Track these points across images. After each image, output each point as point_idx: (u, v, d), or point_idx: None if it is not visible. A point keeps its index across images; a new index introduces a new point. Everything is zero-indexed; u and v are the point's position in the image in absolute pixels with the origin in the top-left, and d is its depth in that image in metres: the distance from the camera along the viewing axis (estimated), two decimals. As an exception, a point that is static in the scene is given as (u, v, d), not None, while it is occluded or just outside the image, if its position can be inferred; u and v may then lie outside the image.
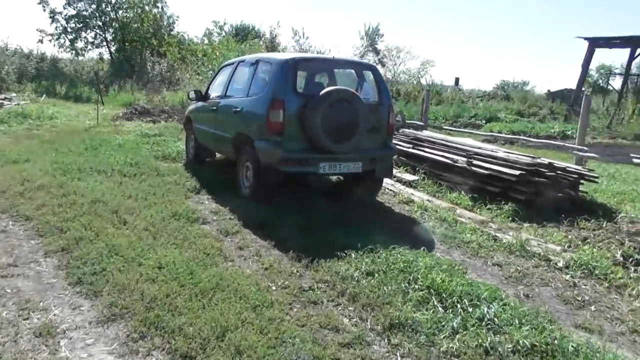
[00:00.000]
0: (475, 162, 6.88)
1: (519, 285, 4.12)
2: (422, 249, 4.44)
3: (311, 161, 5.55)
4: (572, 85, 39.94)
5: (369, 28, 35.04)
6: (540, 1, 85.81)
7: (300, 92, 5.50)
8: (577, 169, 6.57)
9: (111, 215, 4.85)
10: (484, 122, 22.22)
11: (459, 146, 7.61)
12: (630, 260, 4.49)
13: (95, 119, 12.16)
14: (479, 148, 7.40)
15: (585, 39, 21.65)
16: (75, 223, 4.54)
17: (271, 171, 5.52)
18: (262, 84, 5.89)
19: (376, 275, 3.85)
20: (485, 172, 6.56)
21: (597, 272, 4.31)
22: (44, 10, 24.61)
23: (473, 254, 4.76)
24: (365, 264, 4.03)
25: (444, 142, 7.99)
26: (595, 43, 21.61)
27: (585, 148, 7.23)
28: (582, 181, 6.64)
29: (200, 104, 7.56)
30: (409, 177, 7.43)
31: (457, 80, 30.93)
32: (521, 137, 10.67)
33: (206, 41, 30.60)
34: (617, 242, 4.98)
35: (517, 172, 6.19)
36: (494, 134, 13.40)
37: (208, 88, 7.57)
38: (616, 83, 34.32)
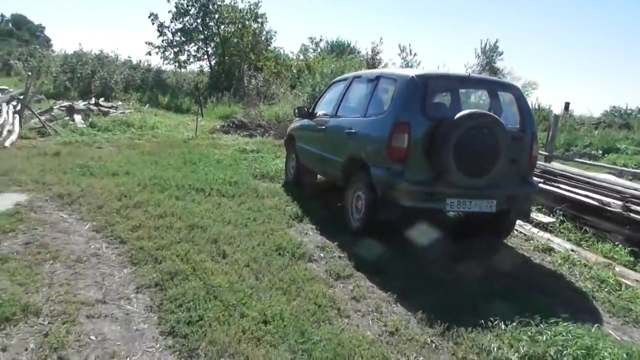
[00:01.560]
0: (633, 207, 5.61)
1: None
2: (595, 326, 3.39)
3: (437, 196, 4.67)
4: None
5: (486, 45, 32.83)
6: (659, 22, 78.17)
7: (429, 115, 4.66)
8: None
9: (210, 245, 4.27)
10: (600, 152, 20.02)
11: (606, 185, 6.33)
12: None
13: (194, 130, 12.11)
14: (634, 189, 6.08)
15: None
16: (171, 252, 4.00)
17: (388, 204, 4.71)
18: (384, 103, 5.13)
19: (545, 364, 2.88)
20: (650, 221, 5.28)
21: None
22: (153, 24, 25.96)
23: (660, 337, 3.61)
24: (524, 343, 3.07)
25: (584, 179, 6.73)
26: None
27: None
28: None
29: (305, 121, 6.96)
30: (544, 218, 6.28)
31: (567, 105, 28.15)
32: None
33: (301, 57, 30.80)
34: None
35: (699, 224, 4.88)
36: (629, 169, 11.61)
37: (315, 105, 6.95)
38: None
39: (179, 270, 3.66)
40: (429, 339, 3.19)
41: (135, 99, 18.69)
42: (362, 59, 24.91)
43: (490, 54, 32.00)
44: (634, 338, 3.53)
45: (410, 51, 25.99)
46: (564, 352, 2.93)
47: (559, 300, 4.00)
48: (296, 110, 7.22)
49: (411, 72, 5.00)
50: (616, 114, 32.26)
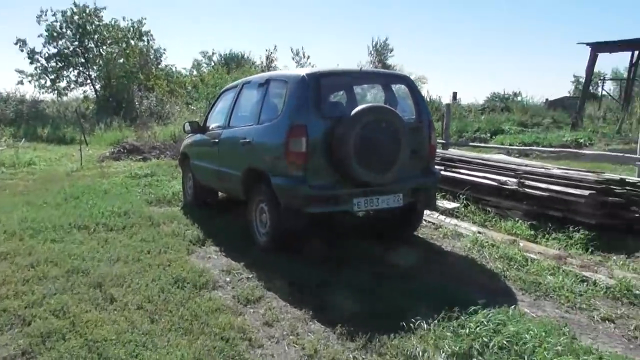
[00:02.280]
0: (528, 182, 5.81)
1: (655, 351, 3.01)
2: (512, 307, 3.33)
3: (343, 198, 4.45)
4: (565, 93, 39.64)
5: (377, 42, 33.73)
6: (524, 13, 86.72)
7: (325, 114, 4.43)
8: (653, 183, 5.51)
9: (93, 291, 3.67)
10: (489, 135, 21.43)
11: (501, 165, 6.55)
12: None
13: (79, 161, 11.01)
14: (526, 166, 6.34)
15: (587, 44, 20.97)
16: (43, 308, 3.36)
17: (294, 213, 4.41)
18: (276, 107, 4.82)
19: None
20: (545, 194, 5.49)
21: None
22: (22, 51, 23.67)
23: (570, 306, 3.64)
24: (449, 341, 2.90)
25: (481, 161, 6.93)
26: (597, 48, 20.92)
27: (652, 158, 6.22)
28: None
29: (198, 136, 6.46)
30: (449, 204, 6.34)
31: (454, 94, 30.00)
32: (567, 150, 9.51)
33: (195, 72, 29.79)
34: None
35: (587, 192, 5.12)
36: (529, 148, 12.40)
37: (207, 117, 6.48)
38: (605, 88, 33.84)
39: (54, 329, 3.05)
40: (351, 355, 2.92)
41: (8, 134, 16.77)
42: (257, 68, 24.57)
43: (382, 51, 33.15)
44: (547, 312, 3.53)
45: (304, 54, 26.11)
46: (490, 344, 2.80)
47: (474, 286, 3.93)
48: (187, 126, 6.67)
49: (302, 72, 4.74)
50: (496, 99, 34.94)
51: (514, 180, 5.96)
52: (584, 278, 4.04)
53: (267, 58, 24.34)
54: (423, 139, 4.92)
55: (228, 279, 4.14)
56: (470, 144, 11.69)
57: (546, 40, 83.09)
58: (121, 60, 24.31)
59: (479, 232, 5.43)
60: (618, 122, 21.16)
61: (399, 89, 5.33)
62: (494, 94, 36.02)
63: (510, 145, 17.43)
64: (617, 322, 3.40)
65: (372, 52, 33.07)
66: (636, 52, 21.83)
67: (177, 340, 3.00)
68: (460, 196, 6.36)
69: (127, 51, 24.37)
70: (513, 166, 6.34)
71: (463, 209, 6.23)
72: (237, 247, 4.88)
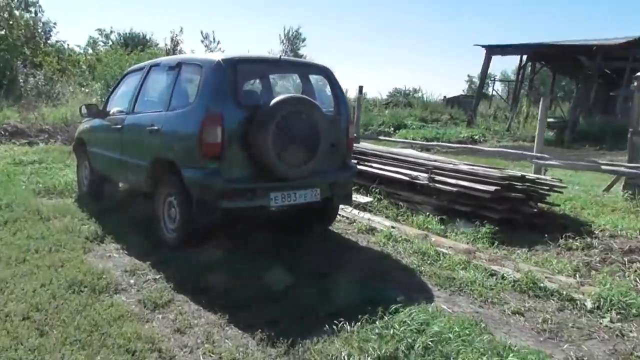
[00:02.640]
0: (437, 177, 6.00)
1: (560, 342, 3.18)
2: (431, 304, 3.36)
3: (260, 192, 4.24)
4: (460, 91, 42.36)
5: (289, 31, 33.15)
6: (423, 12, 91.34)
7: (242, 103, 4.16)
8: (547, 180, 5.94)
9: (-35, 300, 3.13)
10: (392, 129, 22.22)
11: (412, 159, 6.70)
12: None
13: (-51, 146, 9.60)
14: (435, 161, 6.55)
15: (483, 46, 22.50)
16: None
17: (207, 208, 4.11)
18: (189, 93, 4.46)
19: (398, 362, 2.67)
20: (454, 189, 5.68)
21: (634, 311, 3.51)
22: None
23: (483, 301, 3.75)
24: (373, 344, 2.82)
25: (393, 156, 7.05)
26: (491, 51, 22.52)
27: (546, 156, 6.70)
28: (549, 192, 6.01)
29: (96, 121, 5.84)
30: (362, 199, 6.36)
31: (360, 88, 30.57)
32: (472, 146, 9.96)
33: (90, 51, 27.48)
34: (622, 265, 4.30)
35: (493, 188, 5.38)
36: (433, 143, 12.92)
37: (107, 100, 5.88)
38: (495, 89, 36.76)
39: None
40: (273, 364, 2.74)
41: None
42: (160, 50, 23.18)
43: (294, 40, 32.88)
44: (462, 308, 3.61)
45: (214, 39, 25.14)
46: (415, 345, 2.76)
47: (392, 283, 3.93)
48: (84, 109, 6.01)
49: (217, 56, 4.41)
50: (399, 94, 36.52)
51: (425, 175, 6.12)
52: (493, 272, 4.20)
53: (172, 40, 23.03)
54: (341, 132, 4.84)
55: (132, 281, 3.75)
56: (380, 137, 11.91)
57: (445, 40, 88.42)
58: (3, 32, 21.65)
59: (393, 227, 5.49)
60: (507, 121, 23.00)
61: (317, 80, 5.20)
62: (396, 89, 37.52)
63: (413, 139, 18.23)
64: (527, 315, 3.54)
65: (285, 41, 32.71)
66: (524, 56, 23.86)
67: (73, 356, 2.61)
68: (373, 190, 6.41)
69: (11, 22, 21.77)
70: (423, 161, 6.52)
71: (376, 203, 6.28)
72: (142, 244, 4.48)
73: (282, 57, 5.15)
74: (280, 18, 79.95)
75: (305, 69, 5.19)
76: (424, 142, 14.52)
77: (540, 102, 6.84)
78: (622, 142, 16.93)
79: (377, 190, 6.38)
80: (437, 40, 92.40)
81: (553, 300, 3.73)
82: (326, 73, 4.98)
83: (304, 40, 34.03)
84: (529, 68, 25.71)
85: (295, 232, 5.08)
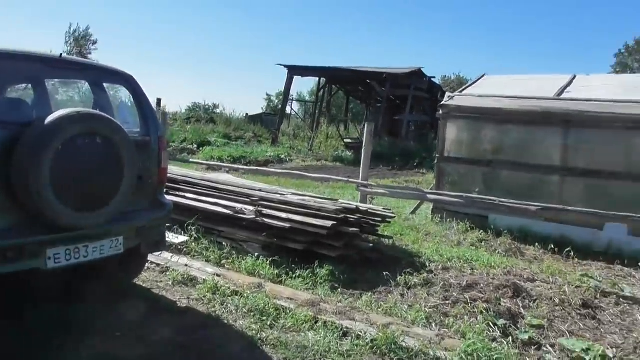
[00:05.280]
0: (266, 211, 5.19)
1: None
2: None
3: (30, 249, 2.81)
4: (259, 109, 43.06)
5: (76, 31, 28.38)
6: (224, 29, 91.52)
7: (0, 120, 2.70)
8: (379, 211, 5.65)
9: None
10: (195, 146, 20.99)
11: (234, 188, 5.77)
12: (513, 334, 3.56)
13: None
14: (260, 190, 5.73)
15: (285, 66, 22.92)
16: None
17: None
18: None
19: None
20: (287, 225, 4.94)
21: None
22: None
23: (344, 376, 3.03)
24: None
25: (209, 184, 5.99)
26: (293, 70, 23.09)
27: (373, 184, 6.46)
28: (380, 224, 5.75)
29: None
30: (175, 239, 5.16)
31: (159, 101, 28.39)
32: (297, 172, 9.26)
33: None
34: (467, 305, 4.07)
35: (330, 223, 4.80)
36: (237, 165, 12.01)
37: None
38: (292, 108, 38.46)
39: None
40: None
41: None
42: None
43: (82, 41, 28.80)
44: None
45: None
46: None
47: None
48: None
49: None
50: (198, 109, 35.32)
51: (251, 208, 5.26)
52: (346, 330, 3.54)
53: None
54: (151, 159, 3.66)
55: None
56: (187, 159, 10.62)
57: (245, 57, 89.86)
58: None
59: (218, 275, 4.48)
60: (309, 141, 23.81)
61: (117, 90, 3.92)
62: (196, 104, 36.36)
63: (220, 159, 17.28)
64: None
65: (71, 41, 28.43)
66: (323, 79, 25.13)
67: None
68: (190, 227, 5.28)
69: None
70: (248, 191, 5.65)
71: (193, 243, 5.16)
72: None
73: (63, 55, 3.65)
74: (66, 16, 70.73)
75: (99, 73, 3.78)
76: (246, 167, 13.33)
77: (365, 127, 6.63)
78: (409, 162, 19.16)
79: (194, 227, 5.27)
80: (237, 57, 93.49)
81: (419, 363, 3.21)
82: (129, 82, 3.69)
83: (94, 42, 30.26)
84: (326, 90, 27.24)
85: (85, 293, 3.67)
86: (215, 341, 3.30)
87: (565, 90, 7.25)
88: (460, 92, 8.02)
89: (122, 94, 3.83)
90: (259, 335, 3.40)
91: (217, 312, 3.75)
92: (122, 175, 3.08)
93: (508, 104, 7.01)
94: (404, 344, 3.33)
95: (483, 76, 8.64)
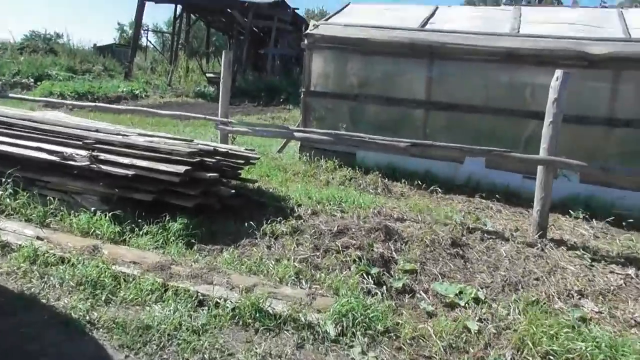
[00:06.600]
0: (102, 156, 4.28)
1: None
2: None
3: None
4: (111, 40, 38.55)
5: None
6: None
7: None
8: (241, 152, 5.03)
9: None
10: (32, 80, 18.02)
11: (62, 129, 4.68)
12: (390, 286, 3.31)
13: None
14: (97, 131, 4.73)
15: (135, -7, 20.26)
16: None
17: None
18: None
19: None
20: (130, 172, 4.10)
21: (380, 328, 2.82)
22: None
23: None
24: None
25: (31, 124, 4.80)
26: (144, -2, 20.54)
27: (234, 121, 5.72)
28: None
29: None
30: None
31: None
32: (145, 109, 7.92)
33: None
34: (338, 254, 3.73)
35: (183, 169, 4.08)
36: (72, 102, 10.31)
37: None
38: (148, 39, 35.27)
39: None
40: None
41: None
42: None
43: None
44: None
45: None
46: None
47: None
48: None
49: None
50: (37, 38, 30.48)
51: (84, 153, 4.29)
52: (202, 298, 2.99)
53: None
54: None
55: None
56: (15, 95, 8.73)
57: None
58: None
59: (39, 238, 3.59)
60: (167, 75, 21.81)
61: None
62: (34, 32, 31.58)
63: (61, 94, 14.96)
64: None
65: None
66: (179, 7, 22.85)
67: None
68: (3, 179, 4.17)
69: None
70: (81, 132, 4.62)
71: (9, 199, 4.09)
72: None
73: None
74: None
75: None
76: (93, 104, 11.48)
77: (223, 59, 5.79)
78: (275, 98, 18.50)
79: (10, 179, 4.17)
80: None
81: (287, 332, 2.78)
82: None
83: None
84: (184, 20, 24.92)
85: None
86: (27, 331, 2.53)
87: (429, 22, 7.09)
88: (326, 20, 7.47)
89: None
90: (88, 316, 2.71)
91: (33, 289, 2.94)
92: None
93: (374, 34, 6.65)
94: (270, 310, 2.88)
95: (348, 5, 8.16)
